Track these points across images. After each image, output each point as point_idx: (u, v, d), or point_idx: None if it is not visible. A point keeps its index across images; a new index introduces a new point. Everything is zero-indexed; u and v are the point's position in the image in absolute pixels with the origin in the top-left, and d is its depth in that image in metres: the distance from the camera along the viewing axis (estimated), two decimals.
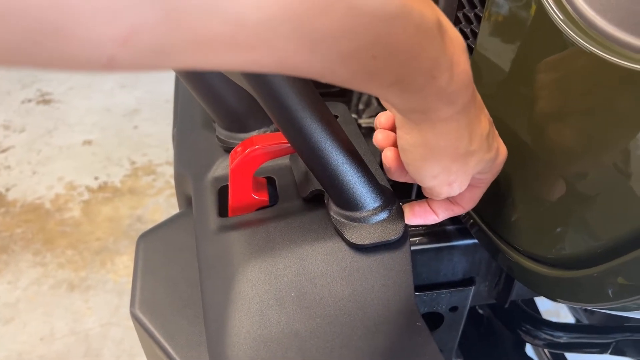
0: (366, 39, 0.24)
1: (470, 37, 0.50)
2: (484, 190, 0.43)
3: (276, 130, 0.56)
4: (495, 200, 0.46)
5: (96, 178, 1.70)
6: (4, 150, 1.83)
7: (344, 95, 0.99)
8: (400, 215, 0.44)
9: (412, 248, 0.51)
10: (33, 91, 2.15)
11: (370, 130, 0.78)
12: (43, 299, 1.33)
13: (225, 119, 0.57)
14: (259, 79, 0.37)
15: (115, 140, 1.87)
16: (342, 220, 0.44)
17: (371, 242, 0.43)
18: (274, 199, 0.51)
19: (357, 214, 0.43)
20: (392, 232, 0.43)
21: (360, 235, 0.43)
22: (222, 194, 0.53)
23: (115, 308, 1.31)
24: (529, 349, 0.81)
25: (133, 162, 1.76)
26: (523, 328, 0.71)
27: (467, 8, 0.50)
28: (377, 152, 0.68)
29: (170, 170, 1.72)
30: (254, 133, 0.56)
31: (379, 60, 0.26)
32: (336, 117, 0.59)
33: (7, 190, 1.66)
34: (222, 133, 0.58)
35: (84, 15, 0.17)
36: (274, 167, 0.54)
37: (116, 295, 1.33)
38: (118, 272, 1.40)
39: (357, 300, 0.42)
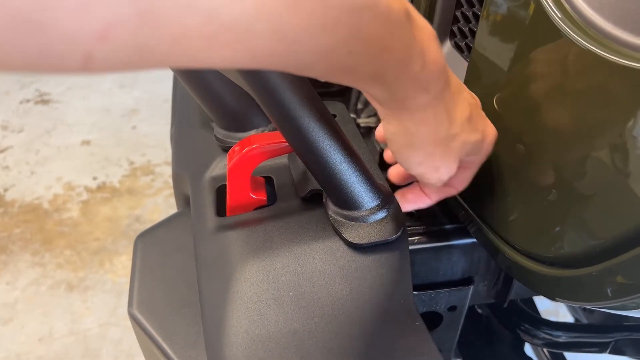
0: (339, 34, 0.25)
1: (468, 36, 0.50)
2: (475, 171, 0.44)
3: (274, 129, 0.56)
4: (495, 199, 0.46)
5: (95, 178, 1.70)
6: (2, 151, 1.83)
7: (342, 94, 0.98)
8: (399, 214, 0.44)
9: (411, 247, 0.51)
10: (31, 91, 2.14)
11: (369, 130, 0.78)
12: (41, 300, 1.33)
13: (223, 118, 0.57)
14: (257, 78, 0.37)
15: (114, 140, 1.87)
16: (341, 219, 0.44)
17: (369, 241, 0.43)
18: (272, 199, 0.51)
19: (355, 213, 0.43)
20: (391, 232, 0.43)
21: (359, 234, 0.43)
22: (220, 193, 0.53)
23: (113, 308, 1.30)
24: (528, 349, 0.81)
25: (132, 162, 1.76)
26: (522, 327, 0.71)
27: (465, 7, 0.50)
28: (376, 152, 0.68)
29: (169, 171, 1.72)
30: (252, 132, 0.56)
31: (353, 54, 0.26)
32: (334, 116, 0.59)
33: (6, 190, 1.65)
34: (220, 132, 0.58)
35: (61, 8, 0.17)
36: (272, 166, 0.54)
37: (115, 296, 1.33)
38: (117, 272, 1.39)
39: (355, 299, 0.42)
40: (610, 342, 0.70)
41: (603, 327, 0.73)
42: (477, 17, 0.47)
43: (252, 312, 0.41)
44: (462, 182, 0.44)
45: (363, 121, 0.87)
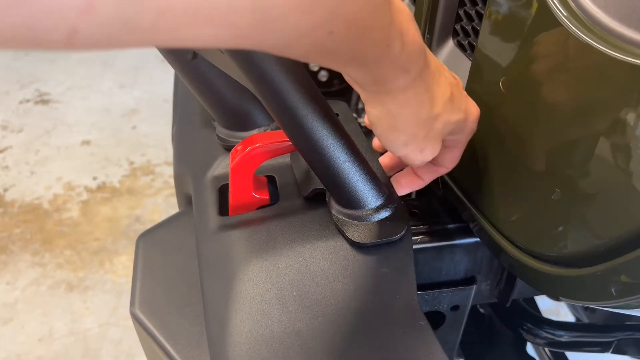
0: (320, 13, 0.25)
1: (471, 34, 0.50)
2: (462, 150, 0.45)
3: (277, 128, 0.56)
4: (498, 198, 0.46)
5: (95, 178, 1.70)
6: (2, 151, 1.82)
7: (343, 94, 0.98)
8: (402, 213, 0.44)
9: (414, 247, 0.51)
10: (31, 91, 2.14)
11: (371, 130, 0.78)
12: (41, 300, 1.32)
13: (225, 118, 0.57)
14: (260, 76, 0.37)
15: (114, 140, 1.86)
16: (344, 218, 0.44)
17: (373, 240, 0.43)
18: (274, 198, 0.50)
19: (358, 213, 0.43)
20: (394, 231, 0.43)
21: (362, 233, 0.43)
22: (223, 192, 0.53)
23: (113, 308, 1.30)
24: (530, 348, 0.81)
25: (131, 162, 1.76)
26: (524, 327, 0.71)
27: (468, 5, 0.50)
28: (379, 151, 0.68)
29: (169, 171, 1.71)
30: (254, 131, 0.56)
31: (334, 34, 0.27)
32: (337, 115, 0.59)
33: (6, 190, 1.65)
34: (222, 132, 0.57)
35: None
36: (274, 165, 0.54)
37: (115, 296, 1.33)
38: (117, 272, 1.39)
39: (359, 299, 0.42)
40: (612, 341, 0.70)
41: (605, 326, 0.73)
42: (480, 15, 0.47)
43: (255, 312, 0.41)
44: (451, 161, 0.45)
45: (365, 120, 0.87)
